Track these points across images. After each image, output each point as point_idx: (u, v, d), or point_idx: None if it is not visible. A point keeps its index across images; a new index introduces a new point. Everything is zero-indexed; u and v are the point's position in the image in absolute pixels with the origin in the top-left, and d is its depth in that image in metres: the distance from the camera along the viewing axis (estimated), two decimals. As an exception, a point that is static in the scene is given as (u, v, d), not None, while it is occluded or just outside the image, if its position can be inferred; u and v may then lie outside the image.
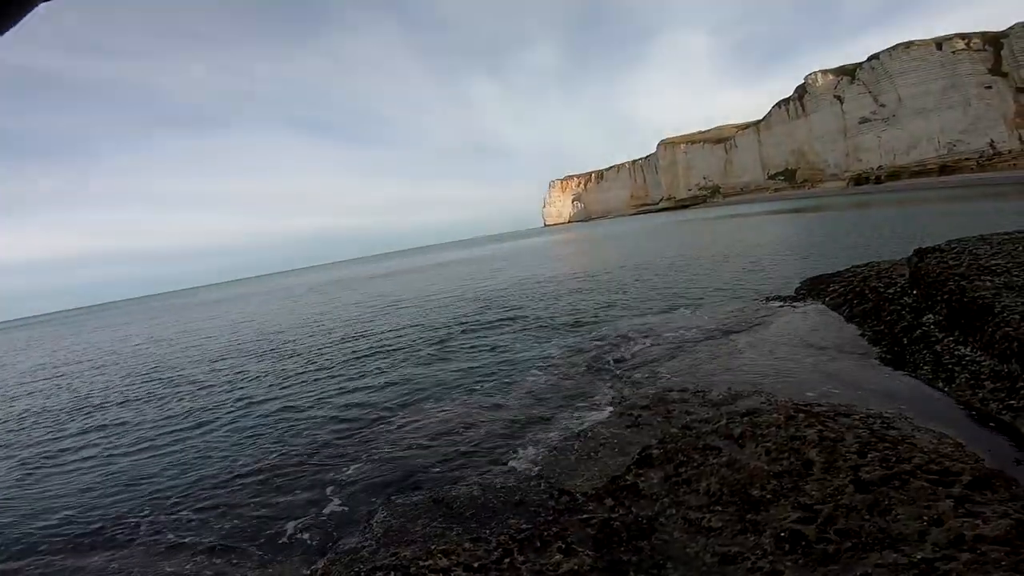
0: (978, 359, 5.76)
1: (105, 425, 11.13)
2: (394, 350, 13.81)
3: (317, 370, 12.97)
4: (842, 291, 10.43)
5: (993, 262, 7.24)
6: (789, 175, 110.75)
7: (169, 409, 11.59)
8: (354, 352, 14.47)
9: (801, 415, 4.88)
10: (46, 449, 10.09)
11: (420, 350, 13.25)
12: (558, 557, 3.63)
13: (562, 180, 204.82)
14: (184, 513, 6.18)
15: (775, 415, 4.99)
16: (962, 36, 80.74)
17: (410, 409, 8.67)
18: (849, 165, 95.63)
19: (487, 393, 8.91)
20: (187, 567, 5.05)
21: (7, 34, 0.78)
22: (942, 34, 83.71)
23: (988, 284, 6.47)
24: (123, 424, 10.96)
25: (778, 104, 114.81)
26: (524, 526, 4.30)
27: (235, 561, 5.02)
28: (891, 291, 8.82)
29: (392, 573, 3.80)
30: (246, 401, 11.11)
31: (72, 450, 9.71)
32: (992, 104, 75.50)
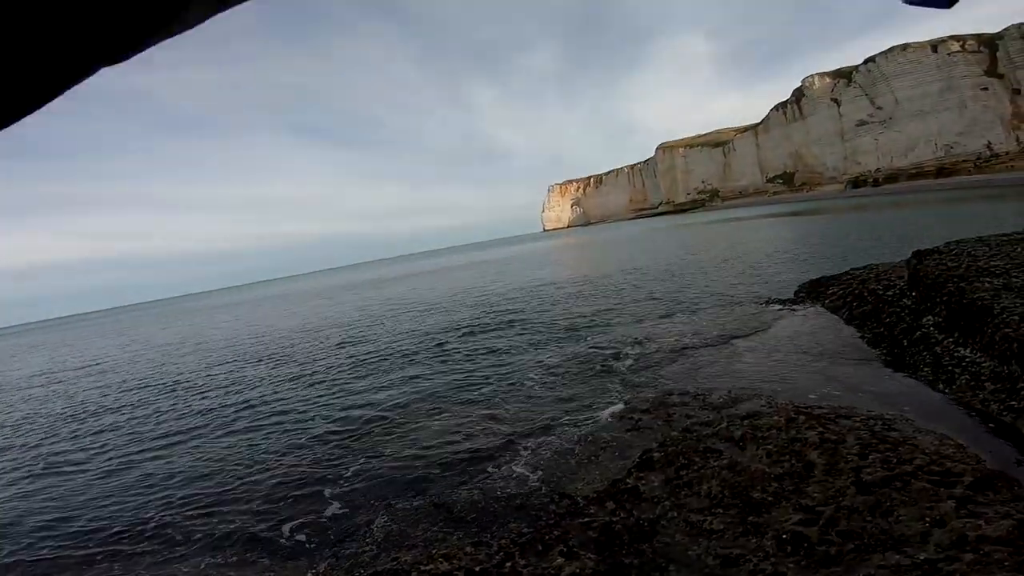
0: (978, 360, 5.77)
1: (104, 430, 11.09)
2: (394, 355, 13.80)
3: (317, 375, 12.95)
4: (841, 294, 10.45)
5: (992, 263, 7.26)
6: (787, 178, 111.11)
7: (166, 414, 11.55)
8: (353, 357, 14.46)
9: (802, 417, 4.89)
10: (46, 449, 10.06)
11: (420, 355, 13.25)
12: (560, 561, 3.62)
13: (561, 184, 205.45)
14: (184, 518, 6.15)
15: (776, 417, 4.99)
16: (957, 38, 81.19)
17: (410, 414, 8.66)
18: (847, 168, 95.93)
19: (487, 397, 8.90)
20: (187, 572, 5.03)
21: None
22: (937, 36, 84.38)
23: (987, 285, 6.49)
24: (120, 429, 10.92)
25: (776, 107, 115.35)
26: (525, 530, 4.29)
27: (236, 565, 5.00)
28: (890, 293, 8.83)
29: (393, 578, 3.79)
30: (245, 406, 11.08)
31: (71, 451, 9.68)
32: (989, 106, 75.88)
